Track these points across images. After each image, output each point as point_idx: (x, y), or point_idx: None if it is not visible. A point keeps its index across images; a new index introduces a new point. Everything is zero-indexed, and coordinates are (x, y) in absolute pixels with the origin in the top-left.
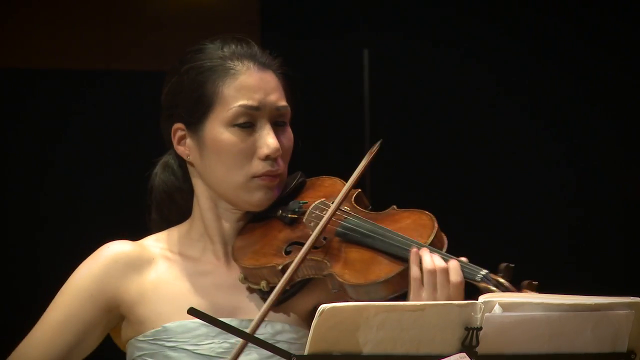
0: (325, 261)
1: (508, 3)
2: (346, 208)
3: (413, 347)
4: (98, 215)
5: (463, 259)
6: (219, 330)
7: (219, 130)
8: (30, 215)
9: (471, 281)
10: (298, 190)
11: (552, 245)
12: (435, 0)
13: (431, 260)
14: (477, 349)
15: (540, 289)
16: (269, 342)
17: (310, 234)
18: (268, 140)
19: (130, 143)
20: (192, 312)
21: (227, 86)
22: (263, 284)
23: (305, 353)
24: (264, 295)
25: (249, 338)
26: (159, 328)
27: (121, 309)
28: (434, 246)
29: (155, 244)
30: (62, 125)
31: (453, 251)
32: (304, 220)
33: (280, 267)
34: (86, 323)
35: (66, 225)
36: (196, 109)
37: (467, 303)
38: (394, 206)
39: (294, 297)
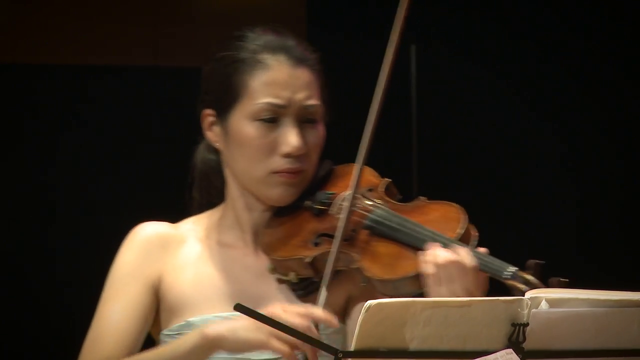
0: (354, 254)
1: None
2: (375, 200)
3: (459, 343)
4: (117, 212)
5: (483, 249)
6: None
7: (243, 123)
8: (46, 210)
9: (498, 278)
10: (326, 179)
11: (568, 242)
12: None
13: (442, 254)
14: (524, 345)
15: (570, 286)
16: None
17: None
18: (289, 139)
19: (153, 140)
20: (238, 308)
21: (255, 79)
22: (292, 275)
23: (352, 349)
24: (292, 287)
25: (297, 335)
26: (183, 323)
27: (160, 291)
28: (462, 240)
29: (190, 226)
30: (103, 120)
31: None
32: (331, 211)
33: (309, 260)
34: (144, 307)
35: (81, 222)
36: (224, 98)
37: (514, 299)
38: (422, 197)
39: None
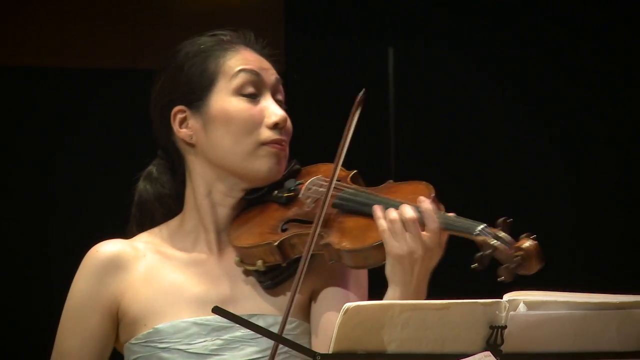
0: (322, 234)
1: (530, 10)
2: (343, 184)
3: (438, 346)
4: (113, 215)
5: (451, 214)
6: (211, 328)
7: (225, 100)
8: (43, 212)
9: (468, 236)
10: (294, 174)
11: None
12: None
13: (397, 211)
14: (502, 348)
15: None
16: None
17: (307, 210)
18: (274, 109)
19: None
20: (216, 310)
21: (228, 59)
22: (259, 263)
23: (330, 352)
24: (260, 277)
25: (277, 338)
26: (151, 330)
27: (119, 310)
28: None
29: (146, 239)
30: (82, 123)
31: None
32: (300, 196)
33: (276, 244)
34: (103, 338)
35: (78, 225)
36: (199, 86)
37: (492, 302)
38: (391, 180)
39: (286, 283)
